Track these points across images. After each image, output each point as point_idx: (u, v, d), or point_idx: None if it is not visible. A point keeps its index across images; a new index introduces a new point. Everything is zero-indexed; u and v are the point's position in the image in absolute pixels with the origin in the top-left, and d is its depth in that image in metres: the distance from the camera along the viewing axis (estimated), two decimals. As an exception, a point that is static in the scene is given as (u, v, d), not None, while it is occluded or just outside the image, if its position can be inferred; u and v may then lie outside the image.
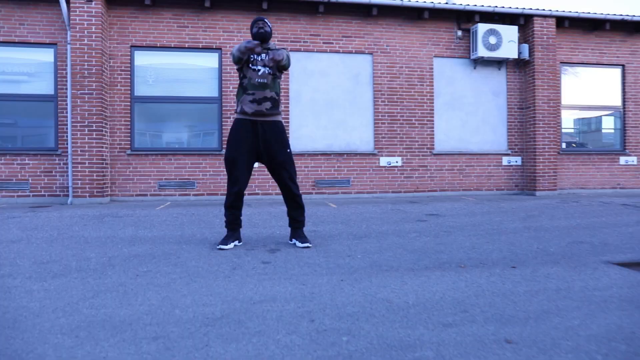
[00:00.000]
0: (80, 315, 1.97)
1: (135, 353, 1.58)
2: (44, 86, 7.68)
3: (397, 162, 8.65)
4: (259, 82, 3.54)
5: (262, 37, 3.56)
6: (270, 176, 8.17)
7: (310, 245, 3.64)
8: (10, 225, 4.90)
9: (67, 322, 1.88)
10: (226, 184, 3.41)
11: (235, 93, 3.70)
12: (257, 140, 3.55)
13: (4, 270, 2.83)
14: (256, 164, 7.33)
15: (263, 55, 3.59)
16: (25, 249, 3.52)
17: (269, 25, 3.63)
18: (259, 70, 3.55)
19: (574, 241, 3.96)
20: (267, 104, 3.55)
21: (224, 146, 8.13)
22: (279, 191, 8.23)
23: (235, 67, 3.68)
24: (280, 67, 3.59)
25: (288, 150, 3.64)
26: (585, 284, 2.57)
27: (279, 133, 3.61)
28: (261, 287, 2.46)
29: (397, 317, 2.00)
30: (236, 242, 3.67)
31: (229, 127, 8.12)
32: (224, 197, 8.07)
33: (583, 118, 9.80)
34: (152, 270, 2.86)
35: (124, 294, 2.33)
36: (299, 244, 3.66)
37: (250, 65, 3.56)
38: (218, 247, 3.54)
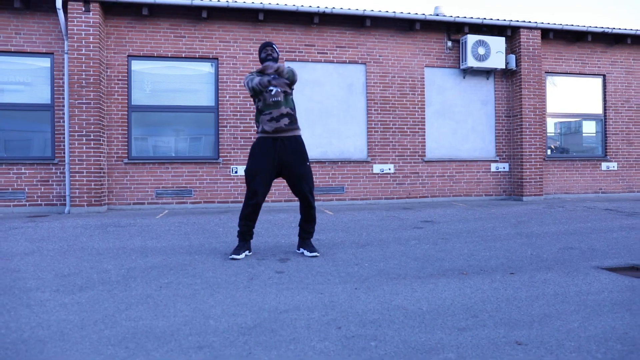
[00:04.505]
0: (121, 328, 2.11)
1: (186, 361, 1.73)
2: (41, 95, 7.70)
3: (389, 169, 8.88)
4: (273, 101, 3.72)
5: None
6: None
7: (318, 254, 3.81)
8: (17, 236, 4.95)
9: (112, 334, 2.02)
10: (244, 197, 3.53)
11: (255, 117, 3.88)
12: (277, 155, 3.72)
13: (29, 283, 2.94)
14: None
15: (272, 76, 3.77)
16: (41, 262, 3.61)
17: (276, 52, 3.86)
18: (271, 90, 3.73)
19: (565, 247, 4.21)
20: (285, 120, 3.73)
21: (221, 154, 8.24)
22: (276, 199, 8.38)
23: (249, 93, 3.89)
24: (287, 80, 3.77)
25: (308, 164, 3.82)
26: (579, 288, 2.80)
27: (299, 147, 3.78)
28: (282, 297, 2.62)
29: (415, 322, 2.19)
30: (247, 252, 3.82)
31: (225, 136, 8.27)
32: (220, 204, 8.19)
33: (565, 122, 10.18)
34: (173, 281, 3.00)
35: (155, 305, 2.46)
36: (307, 253, 3.83)
37: None
38: (230, 257, 3.68)
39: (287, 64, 8.49)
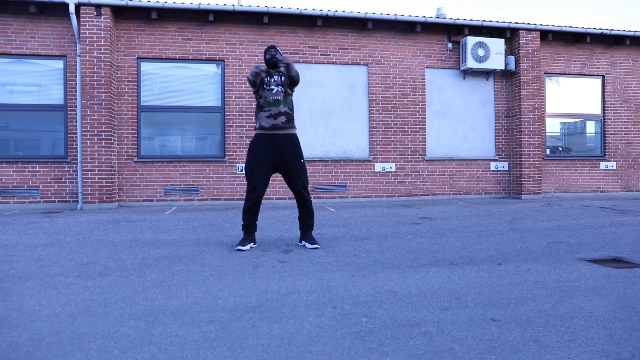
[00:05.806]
0: (140, 306, 2.37)
1: (199, 332, 1.98)
2: (54, 96, 8.00)
3: (391, 167, 9.11)
4: (273, 99, 3.99)
5: (273, 63, 4.05)
6: (270, 182, 8.57)
7: (318, 246, 4.06)
8: (35, 230, 5.24)
9: (132, 311, 2.28)
10: (245, 191, 3.78)
11: (254, 113, 4.15)
12: (274, 152, 3.98)
13: (53, 270, 3.21)
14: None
15: (276, 76, 4.04)
16: (61, 252, 3.89)
17: (280, 53, 4.13)
18: (272, 89, 4.00)
19: (554, 241, 4.43)
20: (282, 118, 3.99)
21: (227, 153, 8.51)
22: (280, 196, 8.64)
23: (252, 90, 4.18)
24: (292, 80, 4.01)
25: (302, 161, 4.07)
26: (559, 277, 3.02)
27: (294, 144, 4.04)
28: (284, 282, 2.87)
29: (403, 303, 2.43)
30: (252, 244, 4.07)
31: (232, 135, 8.54)
32: (227, 201, 8.45)
33: (572, 122, 10.36)
34: (184, 269, 3.25)
35: (169, 289, 2.72)
36: (308, 245, 4.07)
37: (264, 86, 4.02)
38: (236, 248, 3.94)
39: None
